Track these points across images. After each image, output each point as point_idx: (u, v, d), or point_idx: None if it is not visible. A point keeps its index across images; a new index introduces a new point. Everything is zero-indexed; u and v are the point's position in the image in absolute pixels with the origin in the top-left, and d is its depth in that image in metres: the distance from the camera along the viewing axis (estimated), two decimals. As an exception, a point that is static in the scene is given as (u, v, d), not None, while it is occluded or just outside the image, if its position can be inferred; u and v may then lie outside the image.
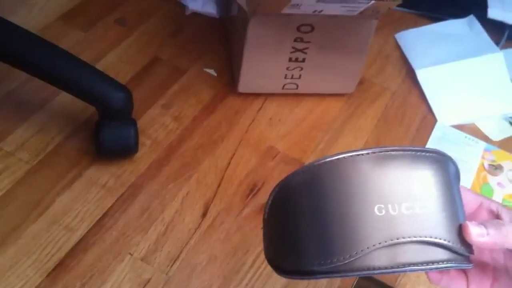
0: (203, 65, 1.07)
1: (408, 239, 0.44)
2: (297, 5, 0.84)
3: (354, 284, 0.81)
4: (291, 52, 0.96)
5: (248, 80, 1.01)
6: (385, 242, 0.44)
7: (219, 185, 0.90)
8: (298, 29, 0.92)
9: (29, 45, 0.84)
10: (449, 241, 0.45)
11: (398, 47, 1.19)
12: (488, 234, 0.47)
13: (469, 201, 0.53)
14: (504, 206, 0.52)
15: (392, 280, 0.83)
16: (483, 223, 0.47)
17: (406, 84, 1.12)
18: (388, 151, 0.46)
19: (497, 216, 0.51)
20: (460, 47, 1.17)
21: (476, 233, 0.47)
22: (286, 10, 0.86)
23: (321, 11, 0.87)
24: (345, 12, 0.87)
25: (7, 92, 0.97)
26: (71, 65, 0.85)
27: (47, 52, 0.85)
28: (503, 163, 1.02)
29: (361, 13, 0.88)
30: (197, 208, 0.87)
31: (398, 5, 1.24)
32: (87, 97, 0.87)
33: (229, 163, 0.93)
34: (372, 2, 0.84)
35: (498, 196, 0.96)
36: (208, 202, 0.88)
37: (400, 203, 0.45)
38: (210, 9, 1.13)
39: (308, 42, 0.95)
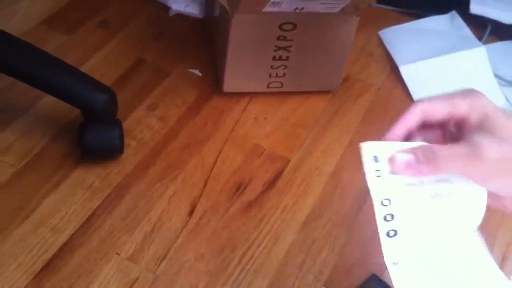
0: (188, 66, 1.08)
1: None
2: (278, 3, 0.85)
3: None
4: (275, 51, 0.97)
5: (232, 80, 1.01)
6: None
7: (205, 184, 0.90)
8: (280, 27, 0.93)
9: (11, 49, 0.84)
10: None
11: (381, 44, 1.20)
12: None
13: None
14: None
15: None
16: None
17: (390, 80, 1.13)
18: None
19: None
20: (443, 43, 1.18)
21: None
22: (268, 8, 0.87)
23: (302, 8, 0.87)
24: (326, 9, 0.88)
25: (-9, 97, 0.97)
26: (55, 67, 0.86)
27: (30, 55, 0.85)
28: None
29: (342, 10, 0.89)
30: (184, 207, 0.87)
31: (381, 3, 1.26)
32: (71, 99, 0.87)
33: (215, 162, 0.94)
34: (351, -2, 0.85)
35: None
36: (194, 201, 0.88)
37: None
38: (193, 10, 1.14)
39: (291, 40, 0.95)
